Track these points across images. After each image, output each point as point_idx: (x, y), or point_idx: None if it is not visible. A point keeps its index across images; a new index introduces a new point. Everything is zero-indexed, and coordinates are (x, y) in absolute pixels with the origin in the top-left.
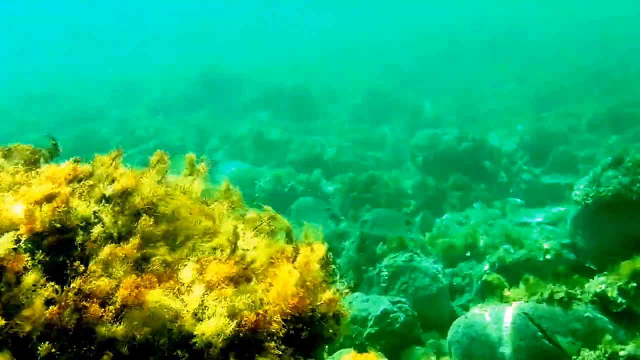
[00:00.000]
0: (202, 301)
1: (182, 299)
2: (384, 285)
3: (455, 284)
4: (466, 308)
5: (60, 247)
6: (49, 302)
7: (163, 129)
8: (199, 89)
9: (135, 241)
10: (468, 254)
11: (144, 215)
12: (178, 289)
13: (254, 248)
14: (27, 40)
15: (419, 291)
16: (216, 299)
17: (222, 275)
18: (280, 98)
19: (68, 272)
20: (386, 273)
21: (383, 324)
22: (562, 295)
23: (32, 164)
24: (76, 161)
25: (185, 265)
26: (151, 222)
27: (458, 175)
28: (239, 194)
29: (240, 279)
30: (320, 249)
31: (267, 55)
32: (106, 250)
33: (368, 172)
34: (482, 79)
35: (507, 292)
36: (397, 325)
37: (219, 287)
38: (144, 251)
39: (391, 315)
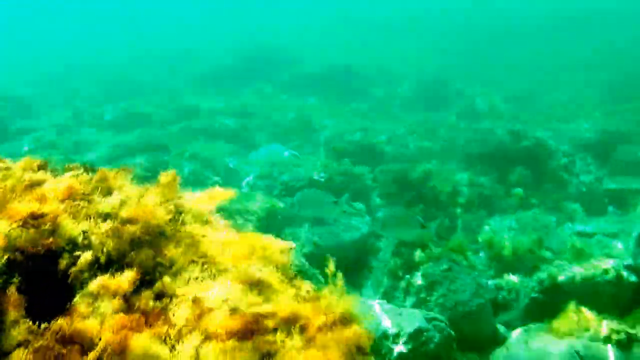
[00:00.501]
0: (197, 353)
1: (173, 347)
2: (419, 296)
3: (499, 297)
4: (510, 325)
5: (43, 272)
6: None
7: (209, 105)
8: (246, 65)
9: (130, 274)
10: (516, 265)
11: (145, 246)
12: (168, 333)
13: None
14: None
15: (458, 306)
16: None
17: (224, 328)
18: (329, 79)
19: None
20: (422, 283)
21: (416, 343)
22: (621, 336)
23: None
24: (76, 175)
25: (181, 302)
26: (151, 255)
27: (512, 175)
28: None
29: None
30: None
31: (317, 34)
32: (96, 282)
33: (417, 164)
34: (547, 65)
35: (556, 323)
36: (432, 346)
37: (219, 339)
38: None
39: (425, 334)
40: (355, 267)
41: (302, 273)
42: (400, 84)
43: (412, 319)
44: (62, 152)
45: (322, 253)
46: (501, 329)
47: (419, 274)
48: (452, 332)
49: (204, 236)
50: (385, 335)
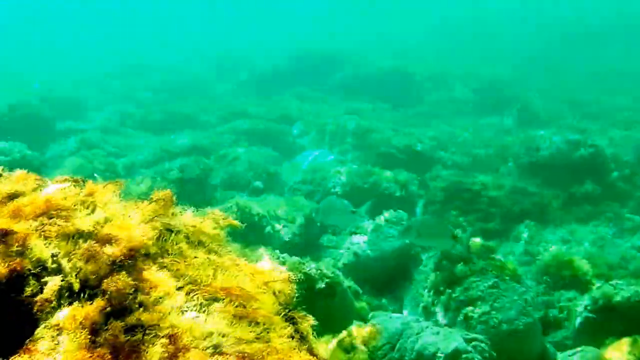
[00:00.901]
0: None
1: None
2: (461, 312)
3: (550, 315)
4: (561, 346)
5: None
6: None
7: (251, 109)
8: (291, 68)
9: (100, 303)
10: (570, 281)
11: (125, 269)
12: None
13: None
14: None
15: (502, 324)
16: None
17: None
18: (378, 81)
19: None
20: (464, 298)
21: None
22: None
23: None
24: (61, 189)
25: (156, 337)
26: (130, 280)
27: (569, 185)
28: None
29: None
30: None
31: (366, 36)
32: (63, 313)
33: (468, 172)
34: (611, 69)
35: (609, 353)
36: None
37: None
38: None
39: (463, 356)
40: (395, 279)
41: (332, 286)
42: (455, 88)
43: (450, 339)
44: (105, 154)
45: (363, 263)
46: (551, 349)
47: (460, 288)
48: (494, 354)
49: (195, 257)
50: (420, 356)
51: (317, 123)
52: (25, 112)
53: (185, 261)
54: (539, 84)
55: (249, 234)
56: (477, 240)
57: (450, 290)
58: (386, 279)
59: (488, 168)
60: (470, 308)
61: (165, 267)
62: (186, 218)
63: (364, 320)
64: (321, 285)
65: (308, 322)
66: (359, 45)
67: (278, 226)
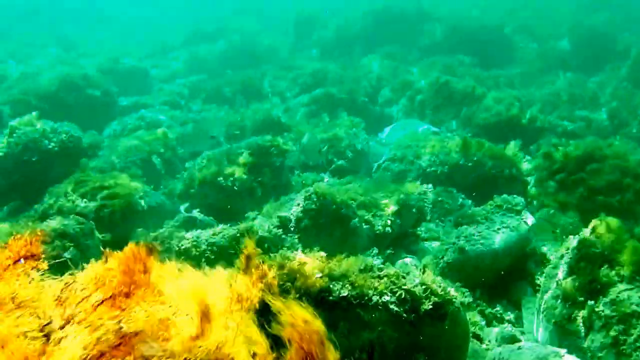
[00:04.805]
0: None
1: None
2: (609, 334)
3: None
4: None
5: None
6: None
7: (331, 75)
8: (377, 28)
9: None
10: None
11: None
12: None
13: None
14: None
15: None
16: None
17: None
18: (469, 40)
19: None
20: (613, 314)
21: None
22: None
23: None
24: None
25: None
26: None
27: None
28: None
29: None
30: None
31: None
32: None
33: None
34: None
35: None
36: None
37: None
38: None
39: None
40: (510, 279)
41: (441, 306)
42: (555, 43)
43: None
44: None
45: (469, 261)
46: None
47: (607, 300)
48: None
49: None
50: None
51: (405, 88)
52: (84, 86)
53: None
54: None
55: (334, 229)
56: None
57: (592, 303)
58: (499, 279)
59: (601, 134)
60: (621, 328)
61: None
62: None
63: (479, 338)
64: (428, 306)
65: None
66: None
67: (366, 216)
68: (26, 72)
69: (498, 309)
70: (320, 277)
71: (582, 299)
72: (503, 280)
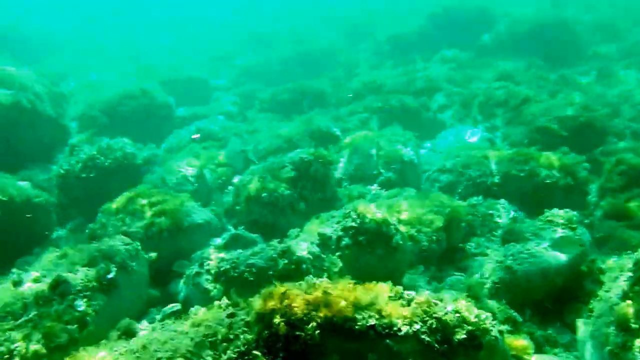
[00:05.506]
0: None
1: None
2: None
3: None
4: None
5: None
6: None
7: (387, 80)
8: (432, 30)
9: None
10: None
11: None
12: None
13: None
14: None
15: None
16: None
17: None
18: (534, 39)
19: None
20: None
21: None
22: None
23: None
24: None
25: None
26: None
27: None
28: None
29: None
30: None
31: None
32: None
33: None
34: None
35: None
36: None
37: None
38: None
39: None
40: (564, 299)
41: (476, 337)
42: (628, 39)
43: None
44: (222, 144)
45: (517, 281)
46: None
47: None
48: None
49: None
50: None
51: (461, 92)
52: (141, 100)
53: None
54: None
55: (376, 247)
56: None
57: None
58: (552, 300)
59: None
60: None
61: None
62: None
63: None
64: (461, 335)
65: None
66: None
67: (410, 232)
68: (92, 85)
69: (550, 332)
70: (345, 305)
71: (637, 326)
72: (557, 300)
